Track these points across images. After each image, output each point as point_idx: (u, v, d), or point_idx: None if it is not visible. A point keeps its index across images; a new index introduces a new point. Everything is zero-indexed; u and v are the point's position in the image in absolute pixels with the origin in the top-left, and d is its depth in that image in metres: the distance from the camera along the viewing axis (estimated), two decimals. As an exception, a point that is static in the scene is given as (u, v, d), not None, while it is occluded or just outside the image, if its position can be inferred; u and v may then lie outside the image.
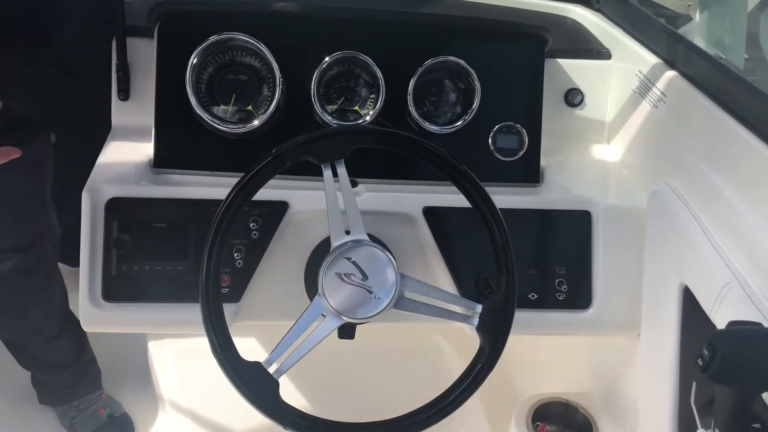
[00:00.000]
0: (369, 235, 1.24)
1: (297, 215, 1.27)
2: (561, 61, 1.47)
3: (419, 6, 1.62)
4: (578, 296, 1.32)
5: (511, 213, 1.30)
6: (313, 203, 1.25)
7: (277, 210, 1.26)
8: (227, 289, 1.25)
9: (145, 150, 1.32)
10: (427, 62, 1.30)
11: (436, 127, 1.32)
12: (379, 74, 1.29)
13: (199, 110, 1.25)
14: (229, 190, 1.04)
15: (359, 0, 1.50)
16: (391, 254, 1.15)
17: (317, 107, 1.29)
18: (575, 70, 1.48)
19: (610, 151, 1.49)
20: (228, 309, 1.24)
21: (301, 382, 1.90)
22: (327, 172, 1.05)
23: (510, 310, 1.07)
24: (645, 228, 1.27)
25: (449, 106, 1.36)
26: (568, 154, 1.46)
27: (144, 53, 1.35)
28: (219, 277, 1.03)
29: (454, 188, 1.10)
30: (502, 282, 1.08)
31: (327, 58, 1.29)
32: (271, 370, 1.02)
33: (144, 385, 2.03)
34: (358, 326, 1.10)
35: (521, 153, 1.36)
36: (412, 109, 1.31)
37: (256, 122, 1.26)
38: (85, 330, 1.27)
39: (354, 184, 1.32)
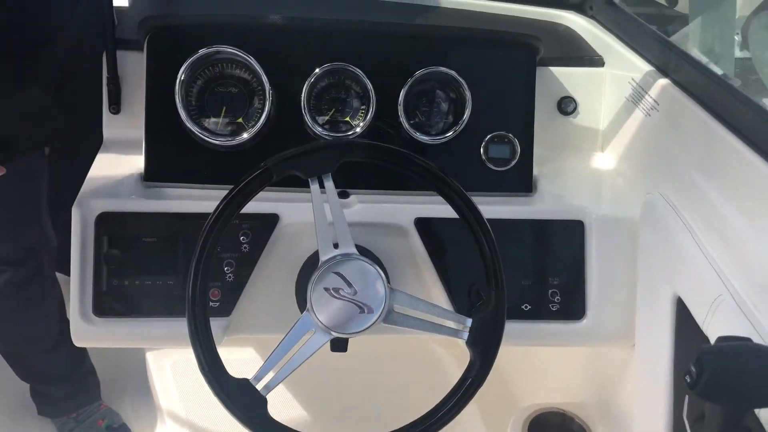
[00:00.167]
0: (359, 248, 1.24)
1: (288, 228, 1.27)
2: (554, 69, 1.46)
3: (409, 16, 1.62)
4: (572, 307, 1.31)
5: (504, 223, 1.30)
6: (304, 216, 1.24)
7: (268, 223, 1.26)
8: (218, 303, 1.24)
9: (136, 163, 1.32)
10: (417, 73, 1.29)
11: (427, 138, 1.32)
12: (370, 85, 1.28)
13: (188, 123, 1.25)
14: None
15: (349, 11, 1.50)
16: (381, 267, 1.15)
17: (308, 119, 1.28)
18: (568, 77, 1.47)
19: (604, 160, 1.48)
20: (219, 323, 1.25)
21: (294, 391, 1.89)
22: (314, 186, 1.05)
23: (500, 323, 1.07)
24: (638, 238, 1.26)
25: (441, 116, 1.36)
26: (561, 163, 1.45)
27: (135, 66, 1.35)
28: (206, 291, 1.02)
29: None
30: (492, 295, 1.07)
31: (317, 70, 1.28)
32: (260, 386, 1.02)
33: (143, 396, 2.03)
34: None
35: (513, 163, 1.35)
36: (403, 119, 1.30)
37: (245, 135, 1.25)
38: (76, 345, 1.26)
39: (345, 195, 1.32)
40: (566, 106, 1.48)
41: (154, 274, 1.24)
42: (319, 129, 1.29)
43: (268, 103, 1.26)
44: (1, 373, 1.93)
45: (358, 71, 1.28)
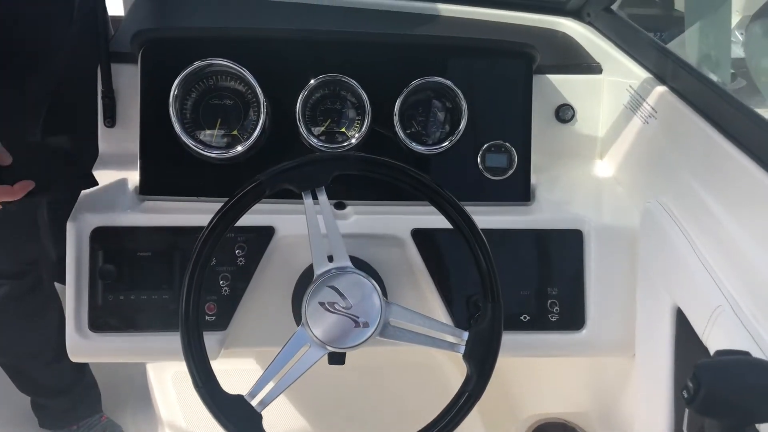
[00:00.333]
0: (355, 260, 1.24)
1: (283, 240, 1.26)
2: (551, 76, 1.45)
3: (405, 26, 1.61)
4: (571, 317, 1.29)
5: (502, 233, 1.29)
6: (300, 228, 1.22)
7: (263, 235, 1.25)
8: (213, 317, 1.24)
9: (132, 177, 1.31)
10: (413, 83, 1.29)
11: (422, 148, 1.31)
12: (365, 96, 1.28)
13: (183, 136, 1.24)
14: None
15: (343, 22, 1.50)
16: (377, 280, 1.14)
17: (303, 130, 1.28)
18: (566, 85, 1.46)
19: (603, 167, 1.47)
20: (215, 337, 1.24)
21: (291, 405, 1.88)
22: (308, 200, 1.04)
23: (497, 337, 1.05)
24: (637, 246, 1.25)
25: (437, 125, 1.35)
26: (559, 171, 1.44)
27: (130, 79, 1.35)
28: (199, 306, 1.01)
29: None
30: (488, 308, 1.06)
31: (312, 81, 1.28)
32: (254, 402, 1.01)
33: (143, 407, 2.02)
34: None
35: (511, 172, 1.34)
36: (398, 129, 1.29)
37: (239, 148, 1.25)
38: (72, 361, 1.26)
39: (342, 206, 1.31)
40: (564, 113, 1.47)
41: (150, 288, 1.23)
42: (315, 140, 1.29)
43: (262, 115, 1.25)
44: (2, 386, 1.93)
45: (353, 82, 1.28)
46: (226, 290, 1.24)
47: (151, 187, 1.29)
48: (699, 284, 1.05)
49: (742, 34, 1.91)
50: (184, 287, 1.00)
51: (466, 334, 1.06)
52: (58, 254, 1.78)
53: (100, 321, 1.23)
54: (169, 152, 1.28)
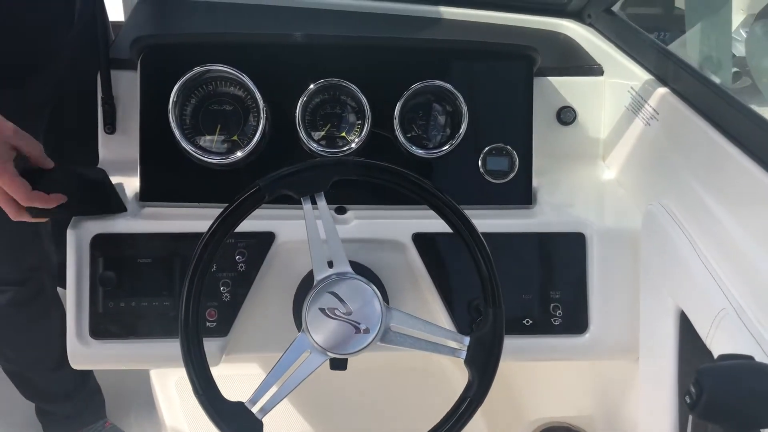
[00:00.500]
0: (356, 265, 1.23)
1: (284, 246, 1.26)
2: (552, 78, 1.45)
3: (404, 29, 1.61)
4: (574, 321, 1.28)
5: (503, 237, 1.28)
6: (301, 233, 1.22)
7: (264, 241, 1.25)
8: (214, 324, 1.23)
9: (132, 183, 1.31)
10: (413, 87, 1.28)
11: (423, 152, 1.30)
12: (365, 100, 1.27)
13: (183, 142, 1.24)
14: None
15: (342, 26, 1.49)
16: (378, 285, 1.13)
17: (303, 135, 1.27)
18: (567, 87, 1.46)
19: (604, 170, 1.46)
20: (216, 343, 1.24)
21: (292, 411, 1.87)
22: (307, 206, 1.04)
23: (498, 342, 1.05)
24: (640, 249, 1.24)
25: (438, 129, 1.34)
26: (561, 174, 1.43)
27: (130, 86, 1.35)
28: (199, 313, 1.01)
29: None
30: (489, 313, 1.06)
31: (311, 86, 1.27)
32: (255, 409, 1.01)
33: (147, 413, 2.02)
34: None
35: (512, 175, 1.33)
36: (399, 133, 1.29)
37: (239, 153, 1.24)
38: (73, 368, 1.26)
39: (343, 211, 1.31)
40: (566, 116, 1.46)
41: (150, 295, 1.23)
42: (315, 145, 1.28)
43: (262, 120, 1.25)
44: (6, 392, 1.93)
45: (353, 86, 1.27)
46: (226, 296, 1.24)
47: (151, 193, 1.28)
48: (702, 287, 1.04)
49: (747, 32, 1.90)
50: (184, 293, 1.00)
51: (467, 340, 1.05)
52: (60, 260, 1.79)
53: (101, 328, 1.23)
54: (169, 158, 1.27)
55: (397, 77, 1.29)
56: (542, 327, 1.28)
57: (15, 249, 1.66)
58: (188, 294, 1.00)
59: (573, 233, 1.29)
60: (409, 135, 1.32)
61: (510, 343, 1.08)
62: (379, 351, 1.07)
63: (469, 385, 1.04)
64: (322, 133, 1.31)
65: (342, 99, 1.31)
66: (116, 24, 1.61)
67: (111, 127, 1.36)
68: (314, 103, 1.31)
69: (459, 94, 1.29)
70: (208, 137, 1.28)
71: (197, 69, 1.23)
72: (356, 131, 1.31)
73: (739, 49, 1.84)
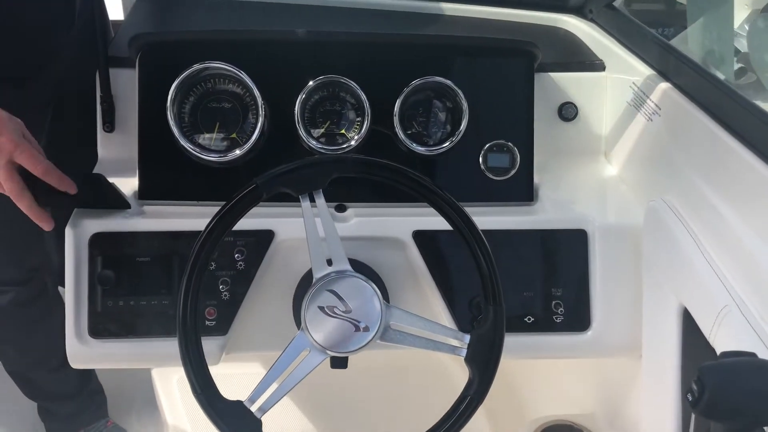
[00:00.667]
0: (356, 263, 1.22)
1: (283, 244, 1.25)
2: (554, 74, 1.43)
3: (404, 25, 1.60)
4: (576, 318, 1.27)
5: (505, 234, 1.27)
6: (300, 231, 1.21)
7: (263, 239, 1.24)
8: (214, 322, 1.23)
9: (131, 182, 1.31)
10: (412, 83, 1.27)
11: (423, 149, 1.29)
12: (364, 97, 1.26)
13: (181, 140, 1.23)
14: None
15: (341, 22, 1.48)
16: (378, 283, 1.13)
17: (302, 132, 1.27)
18: (569, 83, 1.44)
19: (606, 166, 1.45)
20: (216, 342, 1.23)
21: (292, 410, 1.87)
22: (305, 204, 1.03)
23: (499, 340, 1.04)
24: (642, 245, 1.23)
25: (438, 126, 1.33)
26: (563, 171, 1.42)
27: (129, 84, 1.34)
28: (197, 312, 1.00)
29: None
30: (490, 311, 1.05)
31: (310, 83, 1.26)
32: (254, 408, 1.00)
33: (149, 412, 2.02)
34: None
35: (513, 172, 1.32)
36: (398, 130, 1.28)
37: (237, 151, 1.24)
38: (72, 367, 1.25)
39: (343, 209, 1.30)
40: (567, 112, 1.45)
41: (149, 293, 1.22)
42: (314, 142, 1.27)
43: (261, 117, 1.24)
44: (9, 391, 1.93)
45: (352, 83, 1.26)
46: (226, 295, 1.23)
47: (150, 191, 1.28)
48: (705, 284, 1.03)
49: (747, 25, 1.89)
50: (181, 292, 0.99)
51: (467, 337, 1.04)
52: (61, 260, 1.78)
53: (100, 327, 1.23)
54: (168, 157, 1.27)
55: (397, 74, 1.28)
56: (544, 324, 1.27)
57: (16, 249, 1.66)
58: (186, 292, 0.99)
59: (575, 230, 1.28)
60: (409, 132, 1.31)
61: (512, 340, 1.07)
62: (379, 349, 1.06)
63: (469, 383, 1.03)
64: (322, 130, 1.31)
65: (341, 96, 1.30)
66: (116, 23, 1.60)
67: (110, 126, 1.35)
68: (313, 100, 1.30)
69: (459, 91, 1.28)
70: (206, 135, 1.28)
71: (195, 66, 1.23)
72: (356, 128, 1.30)
73: (744, 45, 1.83)
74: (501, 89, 1.34)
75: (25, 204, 1.15)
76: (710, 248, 1.06)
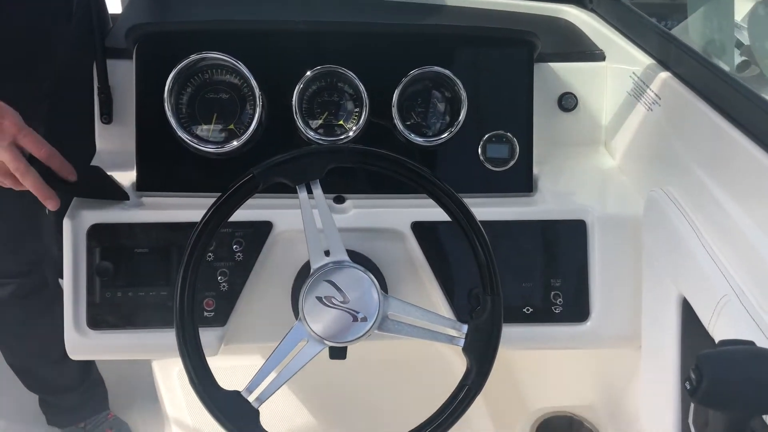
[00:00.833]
0: (354, 254, 1.22)
1: (282, 235, 1.25)
2: (553, 64, 1.43)
3: (402, 15, 1.59)
4: (575, 309, 1.27)
5: (504, 224, 1.27)
6: (298, 222, 1.21)
7: (261, 230, 1.24)
8: (212, 313, 1.23)
9: (129, 173, 1.30)
10: (411, 73, 1.27)
11: (422, 139, 1.29)
12: (362, 87, 1.26)
13: (179, 131, 1.23)
14: None
15: (338, 12, 1.48)
16: (376, 274, 1.12)
17: (300, 123, 1.26)
18: (569, 73, 1.44)
19: (606, 156, 1.45)
20: (214, 333, 1.23)
21: (290, 400, 1.87)
22: (302, 194, 1.02)
23: (496, 329, 1.04)
24: (642, 236, 1.23)
25: (437, 116, 1.33)
26: (562, 161, 1.42)
27: (127, 75, 1.34)
28: (194, 302, 1.00)
29: None
30: (488, 301, 1.04)
31: (308, 73, 1.26)
32: (251, 398, 1.00)
33: (150, 404, 2.03)
34: None
35: (512, 162, 1.32)
36: (397, 121, 1.28)
37: (235, 142, 1.23)
38: (72, 359, 1.25)
39: (341, 200, 1.29)
40: (567, 102, 1.44)
41: (148, 285, 1.22)
42: (312, 133, 1.27)
43: (258, 108, 1.24)
44: (10, 384, 1.93)
45: (350, 73, 1.26)
46: (224, 286, 1.23)
47: (147, 183, 1.27)
48: (704, 274, 1.03)
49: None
50: (178, 283, 0.99)
51: (465, 327, 1.04)
52: (60, 251, 1.78)
53: (99, 318, 1.23)
54: (166, 148, 1.26)
55: (396, 64, 1.27)
56: (543, 315, 1.27)
57: (16, 242, 1.66)
58: (183, 283, 0.99)
59: (574, 220, 1.27)
60: (407, 122, 1.30)
61: (511, 331, 1.07)
62: (377, 339, 1.06)
63: (467, 373, 1.03)
64: (320, 121, 1.30)
65: (339, 86, 1.30)
66: (115, 16, 1.60)
67: (107, 117, 1.35)
68: (311, 90, 1.29)
69: (458, 81, 1.27)
70: (204, 126, 1.27)
71: (192, 57, 1.22)
72: (354, 119, 1.30)
73: (747, 38, 1.81)
74: (500, 79, 1.33)
75: (30, 181, 1.13)
76: (710, 238, 1.05)
